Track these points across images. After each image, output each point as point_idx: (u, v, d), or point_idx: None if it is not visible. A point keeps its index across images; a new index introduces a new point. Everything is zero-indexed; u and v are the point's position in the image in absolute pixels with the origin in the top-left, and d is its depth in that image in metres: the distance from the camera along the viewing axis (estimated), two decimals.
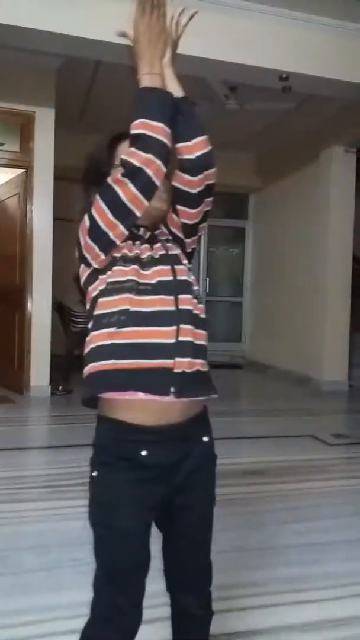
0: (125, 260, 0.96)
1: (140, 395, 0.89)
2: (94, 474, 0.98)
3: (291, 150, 6.10)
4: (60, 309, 5.54)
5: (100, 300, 0.96)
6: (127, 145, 0.97)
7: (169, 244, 1.03)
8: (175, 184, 1.01)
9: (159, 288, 0.94)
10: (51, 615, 1.45)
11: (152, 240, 1.01)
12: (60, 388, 4.76)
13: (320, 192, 5.57)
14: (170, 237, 1.06)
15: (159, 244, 1.01)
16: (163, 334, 0.91)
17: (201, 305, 1.00)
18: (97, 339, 0.94)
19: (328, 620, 1.49)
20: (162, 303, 0.93)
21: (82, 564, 1.74)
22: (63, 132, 4.75)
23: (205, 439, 1.00)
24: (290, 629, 1.44)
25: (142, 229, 1.02)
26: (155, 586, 0.99)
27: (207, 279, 7.19)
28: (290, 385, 5.70)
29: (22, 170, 4.68)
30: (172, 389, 0.90)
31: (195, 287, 1.01)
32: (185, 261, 1.03)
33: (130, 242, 0.98)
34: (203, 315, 0.99)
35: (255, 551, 1.89)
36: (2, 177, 5.17)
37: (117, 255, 0.97)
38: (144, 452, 0.91)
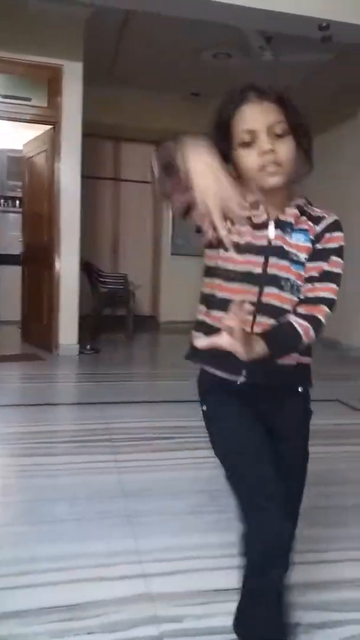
0: None
1: None
2: None
3: (328, 106, 5.82)
4: (88, 269, 5.56)
5: None
6: (254, 108, 0.97)
7: None
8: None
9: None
10: (79, 563, 1.51)
11: None
12: (88, 347, 4.84)
13: (358, 151, 5.34)
14: None
15: None
16: None
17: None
18: None
19: (350, 580, 1.51)
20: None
21: (110, 516, 1.80)
22: (91, 86, 4.64)
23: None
24: (312, 586, 1.47)
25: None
26: None
27: None
28: (318, 349, 5.63)
29: (49, 127, 4.60)
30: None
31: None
32: None
33: None
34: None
35: None
36: (29, 133, 5.12)
37: None
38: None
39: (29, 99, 4.48)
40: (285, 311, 1.01)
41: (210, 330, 1.00)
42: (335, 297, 1.02)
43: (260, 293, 1.00)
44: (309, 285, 1.02)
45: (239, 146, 0.98)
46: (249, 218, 1.00)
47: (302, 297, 1.01)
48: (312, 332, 0.98)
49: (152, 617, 1.30)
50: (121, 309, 6.01)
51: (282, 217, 1.03)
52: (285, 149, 0.99)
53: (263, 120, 0.97)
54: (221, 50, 4.87)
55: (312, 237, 1.04)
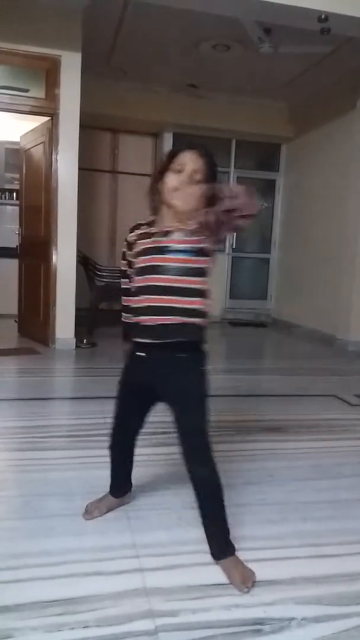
0: None
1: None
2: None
3: (327, 98, 5.81)
4: (85, 263, 5.53)
5: None
6: (188, 154, 1.48)
7: None
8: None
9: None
10: (74, 558, 1.51)
11: None
12: (84, 341, 4.83)
13: (357, 144, 5.32)
14: None
15: None
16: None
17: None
18: None
19: (344, 574, 1.51)
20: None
21: None
22: (89, 78, 4.60)
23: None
24: (306, 581, 1.47)
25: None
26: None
27: (234, 234, 7.05)
28: (315, 344, 5.65)
29: (47, 118, 4.57)
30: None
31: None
32: None
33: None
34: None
35: (274, 506, 1.92)
36: (27, 125, 5.08)
37: None
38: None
39: (26, 90, 4.44)
40: (166, 289, 1.45)
41: (133, 310, 1.57)
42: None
43: (147, 278, 1.49)
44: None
45: (172, 172, 1.48)
46: (148, 233, 1.54)
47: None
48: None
49: (148, 612, 1.30)
50: (118, 303, 6.00)
51: (167, 229, 1.49)
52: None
53: (191, 162, 1.47)
54: (220, 41, 4.83)
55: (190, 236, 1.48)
